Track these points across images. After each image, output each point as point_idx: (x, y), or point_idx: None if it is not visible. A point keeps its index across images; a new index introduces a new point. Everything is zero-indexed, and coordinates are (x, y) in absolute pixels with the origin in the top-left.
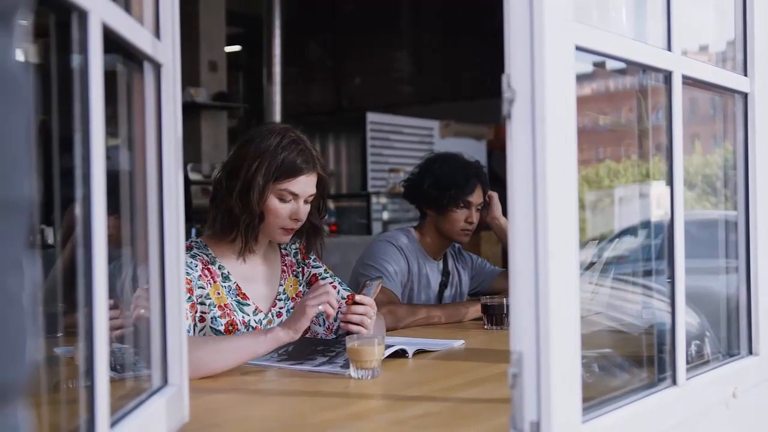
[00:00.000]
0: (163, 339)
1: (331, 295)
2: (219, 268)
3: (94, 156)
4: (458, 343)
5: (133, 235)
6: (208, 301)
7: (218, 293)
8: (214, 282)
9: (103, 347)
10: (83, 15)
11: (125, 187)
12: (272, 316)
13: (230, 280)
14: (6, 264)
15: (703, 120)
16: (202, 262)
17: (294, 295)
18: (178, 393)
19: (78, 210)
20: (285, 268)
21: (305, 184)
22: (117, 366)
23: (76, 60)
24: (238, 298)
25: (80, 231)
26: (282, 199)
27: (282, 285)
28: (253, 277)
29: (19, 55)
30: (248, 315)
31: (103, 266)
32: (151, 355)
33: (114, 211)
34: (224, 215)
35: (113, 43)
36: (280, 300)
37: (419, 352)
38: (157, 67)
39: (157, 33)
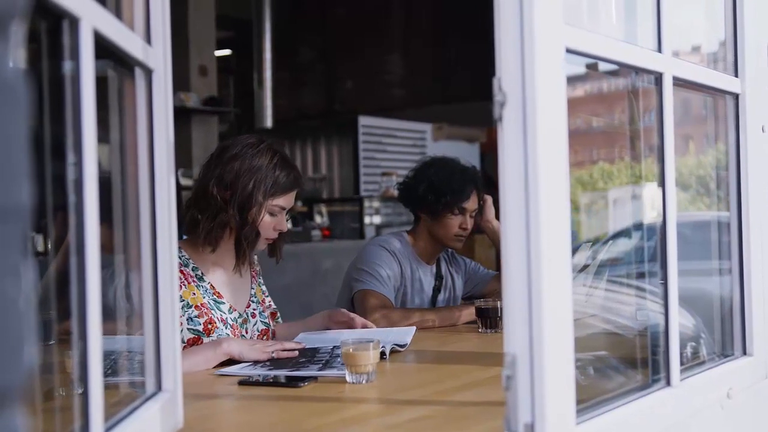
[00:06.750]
0: (156, 345)
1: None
2: (193, 270)
3: (86, 162)
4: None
5: (125, 242)
6: (181, 303)
7: (193, 294)
8: (189, 283)
9: (97, 354)
10: (74, 21)
11: (117, 194)
12: (247, 316)
13: (205, 281)
14: (4, 269)
15: (696, 121)
16: None
17: (260, 301)
18: (172, 399)
19: (71, 217)
20: (254, 274)
21: (293, 199)
22: (108, 371)
23: (67, 66)
24: (214, 297)
25: (73, 238)
26: (272, 214)
27: (253, 289)
28: (228, 280)
29: (16, 62)
30: (225, 313)
31: (96, 272)
32: (145, 361)
33: (105, 218)
34: (218, 228)
35: (103, 48)
36: (253, 302)
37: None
38: (148, 72)
39: (148, 39)
